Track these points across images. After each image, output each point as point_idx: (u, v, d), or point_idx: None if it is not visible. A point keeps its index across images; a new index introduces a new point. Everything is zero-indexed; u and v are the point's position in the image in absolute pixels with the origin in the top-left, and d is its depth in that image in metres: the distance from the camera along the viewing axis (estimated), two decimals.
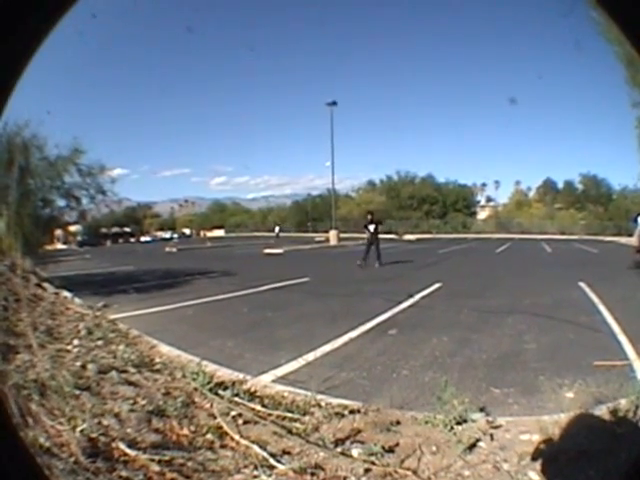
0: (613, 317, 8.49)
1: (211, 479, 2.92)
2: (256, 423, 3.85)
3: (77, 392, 3.73)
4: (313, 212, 79.43)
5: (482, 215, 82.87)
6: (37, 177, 16.00)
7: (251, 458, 3.21)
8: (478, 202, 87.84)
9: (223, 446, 3.41)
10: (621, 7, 1.33)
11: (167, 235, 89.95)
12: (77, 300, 8.55)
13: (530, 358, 6.39)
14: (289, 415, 4.03)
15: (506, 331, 7.97)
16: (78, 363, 4.51)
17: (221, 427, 3.69)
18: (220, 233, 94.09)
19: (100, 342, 5.72)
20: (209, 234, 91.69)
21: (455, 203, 75.25)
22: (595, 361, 5.86)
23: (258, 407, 4.19)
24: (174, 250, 42.30)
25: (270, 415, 4.04)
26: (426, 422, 3.90)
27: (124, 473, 2.76)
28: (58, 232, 22.48)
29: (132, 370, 4.81)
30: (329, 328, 8.46)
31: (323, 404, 4.34)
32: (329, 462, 3.22)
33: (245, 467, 3.07)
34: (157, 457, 2.99)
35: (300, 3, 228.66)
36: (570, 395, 4.37)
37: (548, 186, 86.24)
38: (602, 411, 3.74)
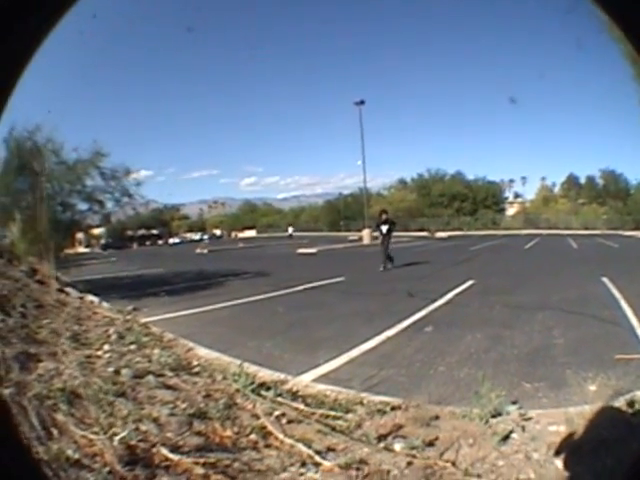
0: (633, 312, 8.65)
1: (257, 479, 2.97)
2: (300, 422, 3.91)
3: (111, 399, 3.64)
4: (345, 211, 78.89)
5: (510, 211, 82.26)
6: (54, 181, 16.05)
7: (296, 456, 3.26)
8: (506, 198, 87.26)
9: (267, 446, 3.44)
10: (621, 7, 1.36)
11: (197, 236, 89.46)
12: (105, 304, 8.49)
13: (558, 353, 6.59)
14: (332, 413, 4.12)
15: (536, 327, 8.17)
16: (111, 369, 4.40)
17: (265, 427, 3.71)
18: (252, 234, 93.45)
19: (133, 346, 5.64)
20: (240, 235, 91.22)
21: (485, 200, 74.65)
22: (616, 355, 6.01)
23: (301, 406, 4.25)
24: (205, 251, 42.22)
25: (313, 414, 4.11)
26: (463, 416, 4.04)
27: (165, 478, 2.79)
28: (80, 235, 22.60)
29: (169, 374, 4.77)
30: (367, 327, 8.59)
31: (365, 401, 4.45)
32: (373, 457, 3.29)
33: (291, 465, 3.12)
34: (201, 460, 3.01)
35: (328, 1, 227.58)
36: (593, 388, 4.49)
37: (571, 182, 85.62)
38: (620, 403, 3.87)
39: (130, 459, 2.82)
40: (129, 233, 69.91)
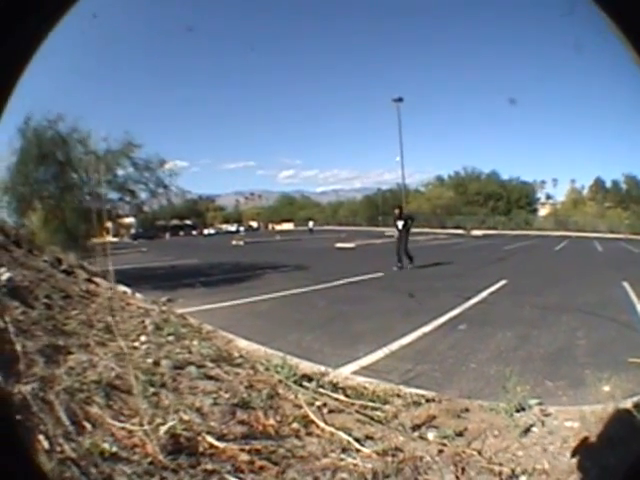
0: None
1: (300, 464, 3.02)
2: (340, 412, 4.06)
3: (152, 389, 3.61)
4: (384, 206, 76.77)
5: (542, 212, 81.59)
6: (81, 171, 16.08)
7: (337, 443, 3.40)
8: (538, 199, 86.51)
9: (309, 434, 3.56)
10: (620, 7, 1.38)
11: (233, 228, 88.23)
12: (138, 295, 8.36)
13: (579, 353, 6.88)
14: (371, 404, 4.26)
15: (561, 328, 8.44)
16: (149, 360, 4.32)
17: (307, 416, 3.81)
18: (289, 226, 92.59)
19: (171, 338, 5.58)
20: (278, 227, 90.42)
21: (518, 200, 74.11)
22: (629, 358, 6.14)
23: (341, 397, 4.38)
24: (241, 243, 42.08)
25: (353, 404, 4.24)
26: (491, 409, 4.26)
27: (210, 466, 2.80)
28: (108, 224, 22.29)
29: (210, 365, 4.78)
30: (404, 323, 8.87)
31: (402, 394, 4.59)
32: (407, 445, 3.46)
33: (332, 451, 3.25)
34: (246, 447, 3.08)
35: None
36: (607, 389, 4.58)
37: (598, 185, 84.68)
38: (627, 404, 3.97)
39: (173, 448, 2.87)
40: (161, 223, 69.10)
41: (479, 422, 4.03)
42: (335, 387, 4.71)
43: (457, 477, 3.02)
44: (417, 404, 4.40)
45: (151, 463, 2.66)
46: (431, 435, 3.65)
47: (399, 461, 3.19)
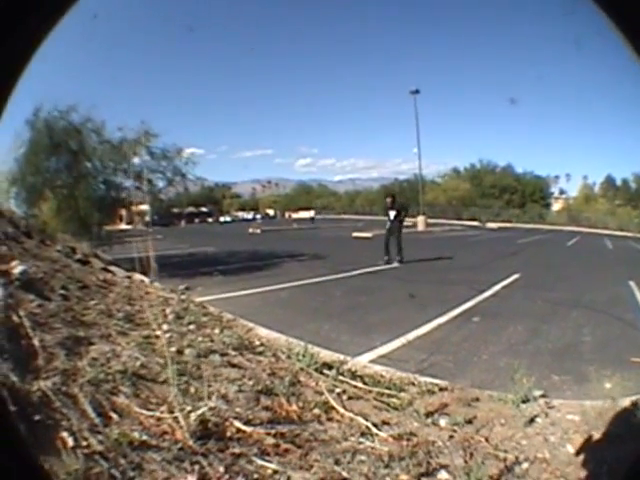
0: None
1: (322, 447, 3.20)
2: (359, 399, 4.28)
3: (177, 377, 3.55)
4: (401, 197, 77.73)
5: (555, 207, 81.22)
6: (96, 160, 16.07)
7: (356, 428, 3.60)
8: (552, 194, 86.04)
9: (330, 419, 3.75)
10: (620, 7, 1.39)
11: (249, 216, 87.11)
12: (156, 284, 8.06)
13: (585, 350, 7.03)
14: (387, 391, 4.47)
15: (570, 324, 8.61)
16: (173, 349, 4.30)
17: (327, 402, 4.00)
18: (306, 215, 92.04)
19: (192, 326, 5.64)
20: (294, 215, 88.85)
21: (532, 194, 73.39)
22: (631, 357, 6.30)
23: (360, 385, 4.58)
24: (258, 231, 41.46)
25: (371, 392, 4.45)
26: (499, 400, 4.47)
27: (237, 450, 2.91)
28: (122, 212, 22.56)
29: (233, 353, 4.89)
30: (420, 313, 9.09)
31: (416, 382, 4.83)
32: (421, 430, 3.70)
33: (351, 435, 3.45)
34: (272, 431, 3.22)
35: None
36: (608, 386, 4.73)
37: (609, 183, 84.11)
38: (625, 402, 4.16)
39: (202, 434, 2.95)
40: (176, 210, 66.18)
41: (488, 411, 4.24)
42: (354, 375, 4.92)
43: (465, 461, 3.21)
44: (431, 392, 4.63)
45: (181, 449, 2.76)
46: (443, 422, 3.89)
47: (413, 445, 3.41)
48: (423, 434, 3.65)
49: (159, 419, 3.04)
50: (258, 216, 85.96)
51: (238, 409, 3.48)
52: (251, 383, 4.08)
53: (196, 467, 2.62)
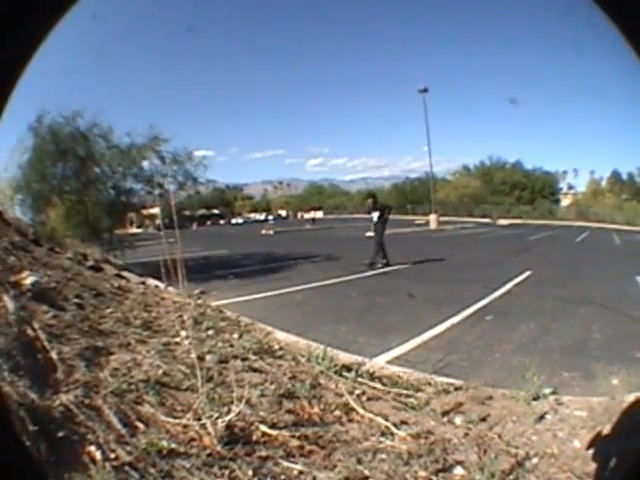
0: None
1: (344, 447, 3.30)
2: (377, 399, 4.40)
3: (200, 384, 3.50)
4: (412, 195, 77.40)
5: (564, 202, 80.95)
6: (105, 165, 16.14)
7: (375, 428, 3.71)
8: (561, 189, 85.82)
9: (350, 420, 3.85)
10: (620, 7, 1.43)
11: (261, 217, 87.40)
12: (171, 289, 7.96)
13: (594, 346, 7.10)
14: (405, 392, 4.60)
15: (579, 320, 8.77)
16: (193, 355, 4.07)
17: (347, 404, 4.10)
18: (319, 215, 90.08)
19: (211, 332, 5.75)
20: (307, 216, 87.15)
21: (542, 190, 73.38)
22: (638, 354, 6.47)
23: (378, 386, 4.70)
24: (271, 232, 41.73)
25: (389, 392, 4.58)
26: (511, 397, 4.57)
27: (264, 453, 2.99)
28: (131, 215, 22.01)
29: (253, 357, 4.98)
30: (434, 313, 9.20)
31: (433, 382, 4.95)
32: (438, 429, 3.82)
33: (372, 435, 3.57)
34: (297, 433, 3.32)
35: None
36: (615, 382, 4.84)
37: (615, 177, 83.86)
38: (631, 398, 4.19)
39: (229, 439, 3.02)
40: (188, 213, 65.33)
41: (500, 409, 4.38)
42: (372, 376, 5.05)
43: (479, 457, 3.36)
44: (446, 392, 4.77)
45: (209, 455, 2.83)
46: (458, 420, 4.03)
47: (430, 443, 3.54)
48: (439, 432, 3.78)
49: (185, 426, 3.12)
50: (270, 217, 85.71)
51: (262, 413, 3.58)
52: (273, 387, 4.20)
53: (225, 472, 2.72)
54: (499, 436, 3.78)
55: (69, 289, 5.54)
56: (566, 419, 4.17)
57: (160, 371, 3.88)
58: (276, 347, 5.81)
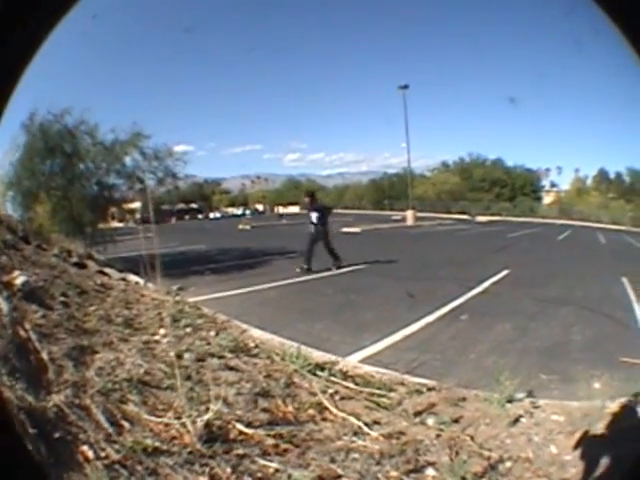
0: None
1: (317, 446, 3.33)
2: (350, 399, 4.39)
3: (179, 382, 3.55)
4: (390, 191, 77.37)
5: (546, 200, 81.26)
6: (89, 161, 16.09)
7: (348, 428, 3.73)
8: (543, 187, 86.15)
9: (324, 419, 3.88)
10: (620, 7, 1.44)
11: (239, 211, 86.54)
12: (150, 285, 8.12)
13: (574, 349, 7.05)
14: (377, 392, 4.56)
15: (559, 322, 8.65)
16: (172, 353, 4.29)
17: (321, 403, 4.11)
18: (296, 209, 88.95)
19: (188, 329, 5.75)
20: (283, 210, 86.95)
21: (523, 187, 73.33)
22: (621, 357, 6.32)
23: (351, 385, 4.69)
24: (248, 227, 41.51)
25: (362, 392, 4.55)
26: (485, 399, 4.54)
27: (241, 451, 3.04)
28: (113, 210, 21.78)
29: (229, 355, 4.99)
30: (409, 312, 9.12)
31: (405, 382, 4.96)
32: (410, 429, 3.81)
33: (344, 435, 3.58)
34: (272, 432, 3.35)
35: None
36: (597, 386, 4.86)
37: (602, 176, 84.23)
38: (612, 404, 4.17)
39: (208, 437, 3.06)
40: (167, 207, 65.26)
41: (474, 411, 4.35)
42: (345, 375, 5.04)
43: (451, 459, 3.35)
44: (419, 392, 4.75)
45: (190, 453, 2.88)
46: (431, 421, 4.00)
47: (402, 443, 3.55)
48: (412, 433, 3.78)
49: (167, 425, 3.16)
50: (247, 212, 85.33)
51: (239, 412, 3.61)
52: (249, 386, 4.21)
53: (206, 469, 2.76)
54: (472, 438, 3.77)
55: (55, 287, 5.56)
56: (542, 423, 4.14)
57: (142, 370, 3.91)
58: (251, 345, 5.80)
